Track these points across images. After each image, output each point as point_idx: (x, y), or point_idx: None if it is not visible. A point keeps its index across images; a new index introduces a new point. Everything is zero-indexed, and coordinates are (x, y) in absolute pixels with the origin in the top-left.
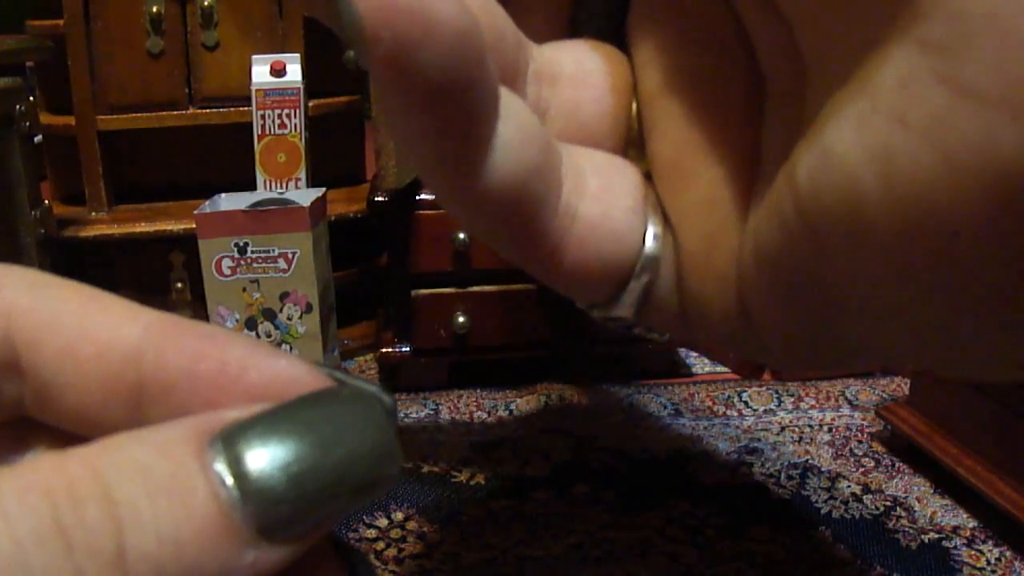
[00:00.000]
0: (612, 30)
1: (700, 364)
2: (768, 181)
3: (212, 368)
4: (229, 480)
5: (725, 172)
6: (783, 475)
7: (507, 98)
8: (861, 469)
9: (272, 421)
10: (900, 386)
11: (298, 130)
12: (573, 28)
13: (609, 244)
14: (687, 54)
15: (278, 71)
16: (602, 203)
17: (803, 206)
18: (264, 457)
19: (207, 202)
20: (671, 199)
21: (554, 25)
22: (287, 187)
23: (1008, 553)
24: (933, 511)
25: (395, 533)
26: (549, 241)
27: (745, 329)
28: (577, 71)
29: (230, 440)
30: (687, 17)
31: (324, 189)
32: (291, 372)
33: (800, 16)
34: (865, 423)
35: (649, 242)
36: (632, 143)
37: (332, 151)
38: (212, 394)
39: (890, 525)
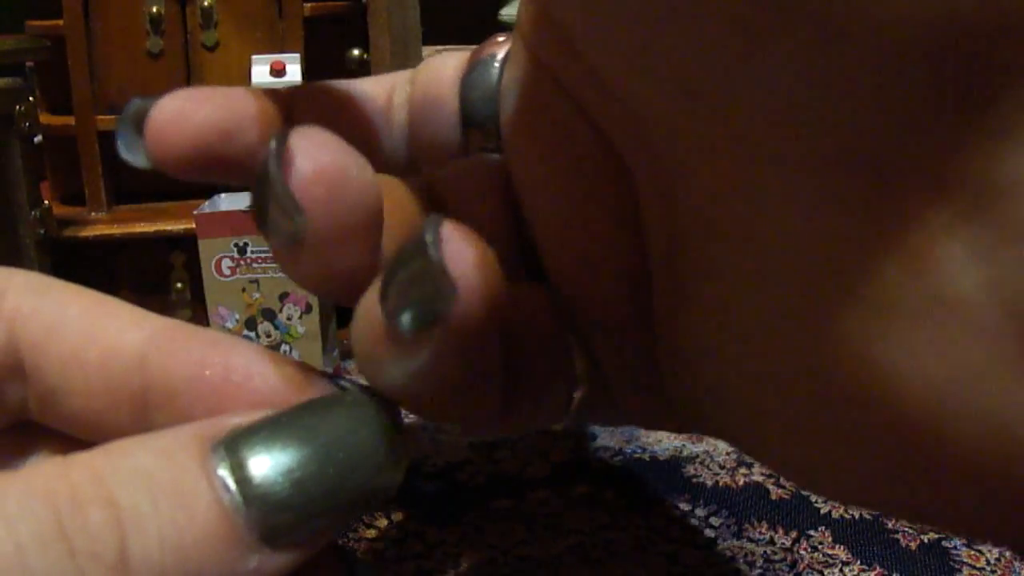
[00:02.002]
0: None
1: None
2: None
3: (216, 374)
4: (232, 486)
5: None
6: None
7: None
8: None
9: (275, 427)
10: None
11: None
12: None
13: None
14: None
15: (278, 71)
16: None
17: None
18: (267, 463)
19: (207, 202)
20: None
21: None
22: None
23: (1008, 553)
24: None
25: (395, 533)
26: None
27: None
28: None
29: (233, 446)
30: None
31: None
32: (295, 379)
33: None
34: None
35: None
36: None
37: None
38: (216, 400)
39: (890, 525)
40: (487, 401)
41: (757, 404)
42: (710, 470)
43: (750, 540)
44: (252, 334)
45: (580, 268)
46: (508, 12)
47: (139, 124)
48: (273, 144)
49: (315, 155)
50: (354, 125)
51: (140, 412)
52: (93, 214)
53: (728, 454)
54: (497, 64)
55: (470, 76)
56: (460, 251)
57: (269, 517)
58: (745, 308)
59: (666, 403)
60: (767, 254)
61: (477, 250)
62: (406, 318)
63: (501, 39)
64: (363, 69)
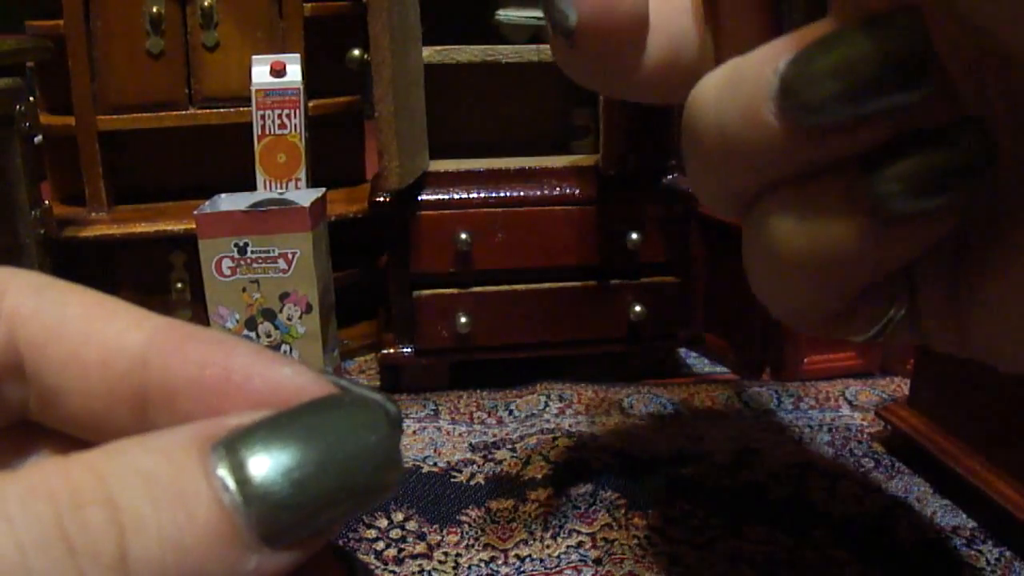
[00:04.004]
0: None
1: (700, 364)
2: None
3: (217, 375)
4: (232, 485)
5: None
6: (783, 475)
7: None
8: (861, 469)
9: (275, 427)
10: (900, 386)
11: (298, 130)
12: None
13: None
14: None
15: (278, 71)
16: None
17: None
18: (267, 463)
19: (207, 202)
20: None
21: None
22: (287, 187)
23: (1008, 553)
24: (933, 511)
25: (395, 533)
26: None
27: None
28: None
29: (233, 446)
30: None
31: (324, 189)
32: (295, 379)
33: None
34: (865, 423)
35: None
36: None
37: (332, 151)
38: (216, 401)
39: (890, 525)
40: (841, 294)
41: None
42: (710, 470)
43: (750, 540)
44: (252, 334)
45: None
46: (506, 13)
47: None
48: None
49: None
50: None
51: (140, 412)
52: (93, 214)
53: (728, 454)
54: None
55: None
56: None
57: (269, 517)
58: None
59: (961, 331)
60: None
61: None
62: None
63: None
64: (364, 69)
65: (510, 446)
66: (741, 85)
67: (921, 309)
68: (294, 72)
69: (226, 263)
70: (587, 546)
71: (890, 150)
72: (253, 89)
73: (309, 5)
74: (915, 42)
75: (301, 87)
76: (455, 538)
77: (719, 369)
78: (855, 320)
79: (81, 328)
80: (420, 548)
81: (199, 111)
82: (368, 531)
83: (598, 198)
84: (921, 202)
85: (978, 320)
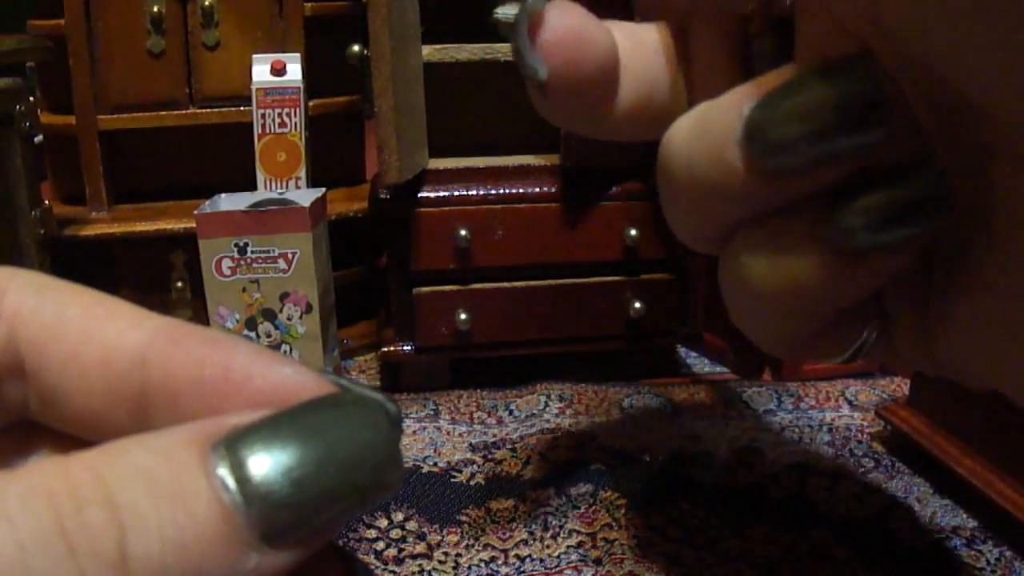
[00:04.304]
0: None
1: (700, 364)
2: None
3: (217, 375)
4: (232, 485)
5: None
6: (783, 475)
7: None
8: (861, 469)
9: (275, 426)
10: (900, 386)
11: (298, 129)
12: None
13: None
14: None
15: (278, 70)
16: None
17: None
18: (267, 462)
19: (207, 202)
20: None
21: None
22: (287, 187)
23: (1008, 553)
24: (933, 511)
25: (395, 533)
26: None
27: None
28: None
29: (233, 445)
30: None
31: (324, 189)
32: (295, 379)
33: None
34: (865, 423)
35: None
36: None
37: (332, 151)
38: (216, 401)
39: (890, 525)
40: (812, 323)
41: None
42: (710, 470)
43: (750, 540)
44: (252, 334)
45: None
46: (504, 11)
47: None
48: (523, 11)
49: (555, 24)
50: None
51: (140, 412)
52: (93, 214)
53: (728, 454)
54: None
55: None
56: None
57: (269, 516)
58: None
59: (931, 351)
60: None
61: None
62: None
63: None
64: (364, 64)
65: (510, 446)
66: (709, 129)
67: (892, 331)
68: (294, 71)
69: (226, 263)
70: (587, 546)
71: (853, 187)
72: (253, 88)
73: (309, 5)
74: (870, 86)
75: (301, 86)
76: (455, 538)
77: (719, 369)
78: (830, 345)
79: (81, 328)
80: (420, 548)
81: (199, 110)
82: (368, 531)
83: (597, 196)
84: (883, 237)
85: (946, 340)
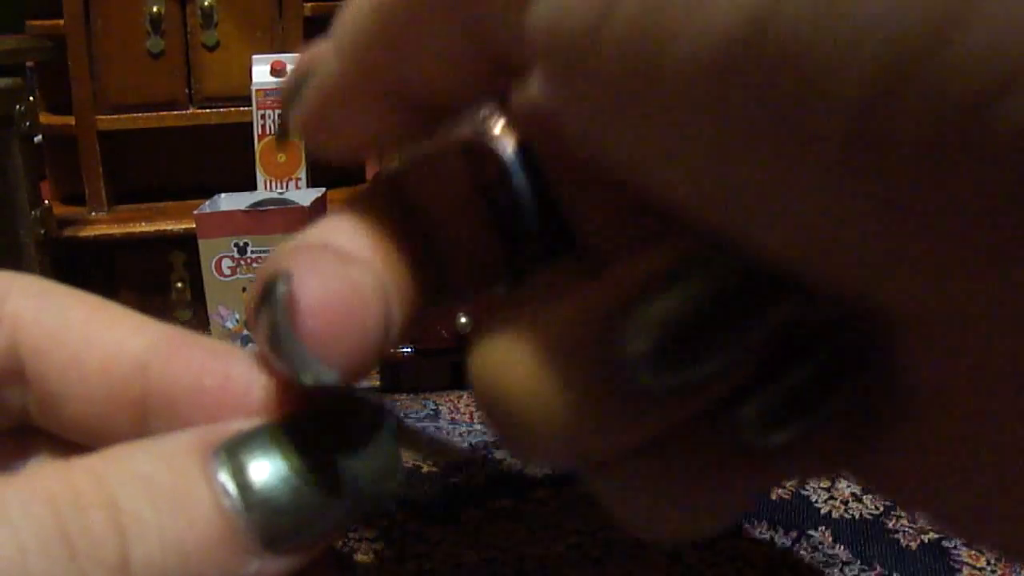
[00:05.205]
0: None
1: None
2: None
3: (216, 383)
4: (233, 490)
5: None
6: None
7: None
8: None
9: (275, 433)
10: None
11: None
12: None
13: None
14: None
15: (278, 71)
16: None
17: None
18: (267, 468)
19: (207, 202)
20: None
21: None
22: (287, 187)
23: None
24: None
25: (395, 533)
26: None
27: None
28: None
29: (234, 451)
30: None
31: (324, 189)
32: (295, 387)
33: None
34: None
35: None
36: None
37: None
38: (215, 408)
39: (890, 525)
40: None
41: (966, 491)
42: None
43: (750, 540)
44: None
45: None
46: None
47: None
48: (278, 292)
49: (313, 302)
50: None
51: (140, 418)
52: (93, 214)
53: None
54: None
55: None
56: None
57: (270, 521)
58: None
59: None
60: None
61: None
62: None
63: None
64: None
65: None
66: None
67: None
68: None
69: (226, 263)
70: (587, 546)
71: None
72: (253, 89)
73: (309, 5)
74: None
75: None
76: (455, 538)
77: None
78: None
79: (82, 333)
80: (420, 548)
81: (199, 111)
82: (368, 531)
83: None
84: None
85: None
